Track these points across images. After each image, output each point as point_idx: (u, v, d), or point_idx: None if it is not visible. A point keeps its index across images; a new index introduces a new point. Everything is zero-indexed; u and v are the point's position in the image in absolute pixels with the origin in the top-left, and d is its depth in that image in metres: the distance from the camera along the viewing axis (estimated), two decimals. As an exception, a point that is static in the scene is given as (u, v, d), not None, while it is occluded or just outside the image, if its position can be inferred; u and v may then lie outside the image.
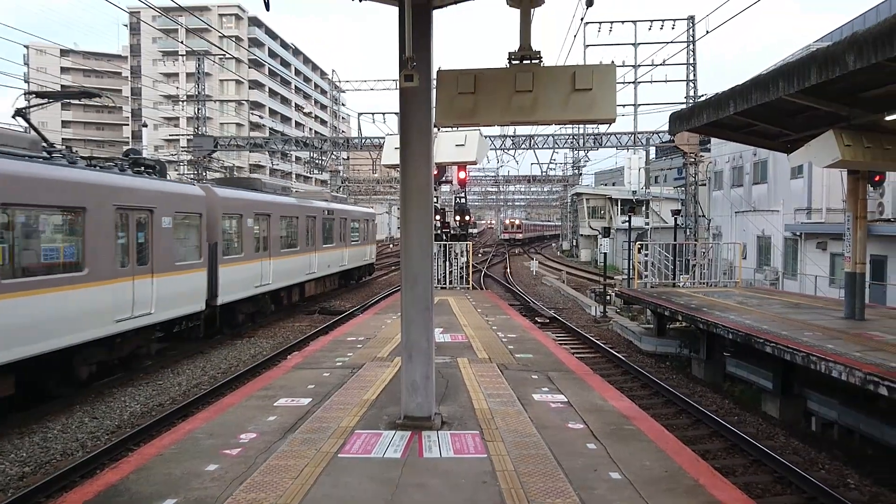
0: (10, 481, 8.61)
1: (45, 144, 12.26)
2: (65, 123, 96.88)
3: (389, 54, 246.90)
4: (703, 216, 32.54)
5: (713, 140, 30.89)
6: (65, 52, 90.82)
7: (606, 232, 27.77)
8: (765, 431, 10.79)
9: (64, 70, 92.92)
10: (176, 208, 14.88)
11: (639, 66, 33.19)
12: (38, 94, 12.77)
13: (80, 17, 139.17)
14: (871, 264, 17.42)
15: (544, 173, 53.96)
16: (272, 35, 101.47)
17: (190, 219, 15.76)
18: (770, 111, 11.71)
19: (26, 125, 14.06)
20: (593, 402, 7.66)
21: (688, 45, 31.92)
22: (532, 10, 6.36)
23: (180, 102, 50.25)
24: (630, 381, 13.89)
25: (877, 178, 14.24)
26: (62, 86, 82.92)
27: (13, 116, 13.31)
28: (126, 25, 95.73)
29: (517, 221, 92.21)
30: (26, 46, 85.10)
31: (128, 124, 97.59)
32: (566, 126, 36.19)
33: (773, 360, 10.95)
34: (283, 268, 21.09)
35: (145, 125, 48.99)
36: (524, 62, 6.19)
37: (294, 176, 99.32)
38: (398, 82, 5.71)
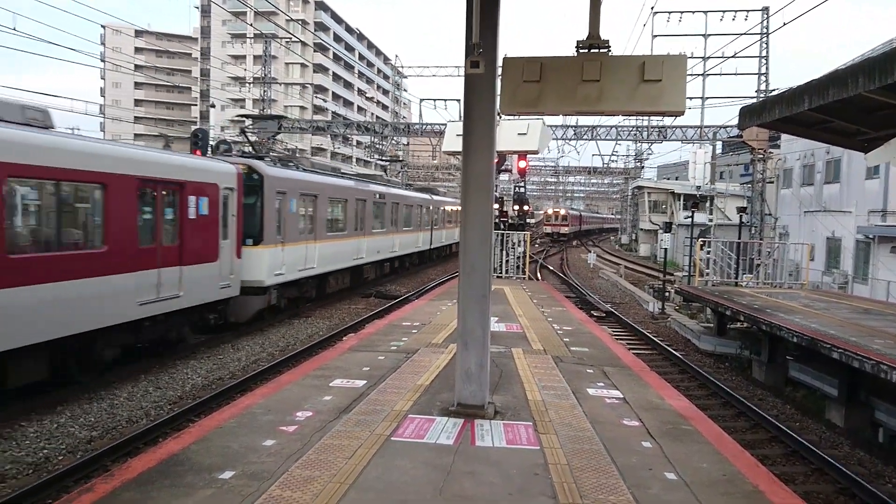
0: (79, 444, 9.01)
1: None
2: (137, 102, 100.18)
3: (451, 41, 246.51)
4: (770, 215, 31.52)
5: (783, 136, 29.82)
6: (139, 33, 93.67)
7: (668, 227, 27.21)
8: (828, 440, 10.44)
9: (138, 50, 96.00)
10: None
11: (708, 57, 32.23)
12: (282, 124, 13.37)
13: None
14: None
15: (606, 165, 53.13)
16: (337, 19, 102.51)
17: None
18: (848, 108, 11.19)
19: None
20: (649, 400, 7.54)
21: (761, 37, 30.83)
22: (603, -3, 6.23)
23: (247, 84, 51.28)
24: (687, 381, 13.61)
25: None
26: (136, 65, 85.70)
27: (240, 134, 15.32)
28: (197, 7, 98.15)
29: (562, 211, 73.00)
30: (103, 26, 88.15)
31: (196, 105, 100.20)
32: (630, 117, 35.51)
33: (839, 366, 10.55)
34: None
35: (213, 106, 50.15)
36: (592, 51, 6.09)
37: (354, 160, 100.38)
38: (463, 69, 5.69)
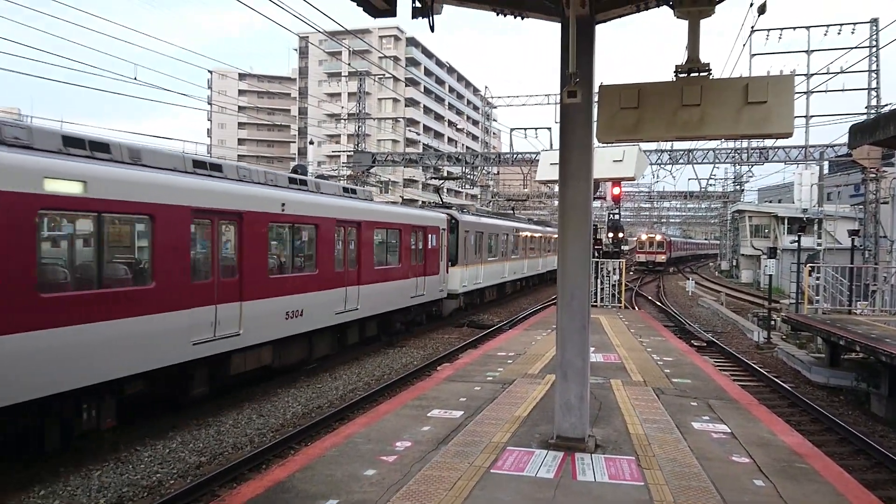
0: (189, 469, 9.40)
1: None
2: (240, 141, 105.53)
3: (540, 71, 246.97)
4: (885, 237, 29.58)
5: (898, 154, 28.09)
6: (242, 76, 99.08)
7: (773, 252, 25.97)
8: (963, 482, 9.57)
9: (241, 92, 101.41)
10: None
11: (813, 74, 30.89)
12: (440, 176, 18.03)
13: (257, 43, 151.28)
14: None
15: (703, 189, 51.49)
16: (427, 54, 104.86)
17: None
18: (973, 122, 10.47)
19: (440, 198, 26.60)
20: (760, 435, 7.16)
21: (870, 51, 29.31)
22: (700, 21, 6.10)
23: (342, 120, 53.04)
24: (798, 415, 12.84)
25: None
26: (239, 107, 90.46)
27: (436, 191, 21.80)
28: (296, 50, 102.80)
29: (658, 237, 66.01)
30: (210, 71, 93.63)
31: (295, 142, 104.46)
32: (729, 140, 34.37)
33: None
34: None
35: (312, 142, 52.15)
36: (691, 75, 5.95)
37: (445, 190, 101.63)
38: (559, 98, 5.68)
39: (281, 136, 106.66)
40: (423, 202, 32.57)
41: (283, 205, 13.24)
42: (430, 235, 21.21)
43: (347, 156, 59.60)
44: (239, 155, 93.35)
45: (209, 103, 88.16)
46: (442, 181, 39.92)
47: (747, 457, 6.41)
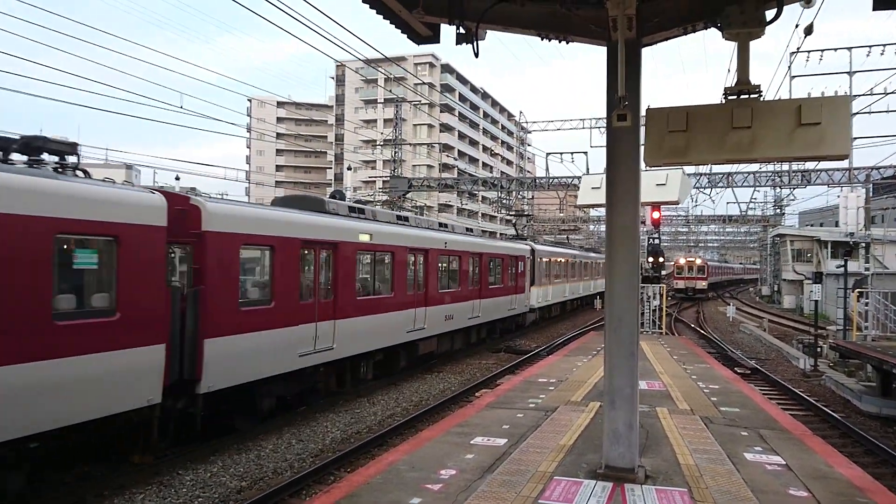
0: (230, 494, 9.39)
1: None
2: (278, 167, 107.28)
3: (574, 94, 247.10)
4: (936, 262, 28.69)
5: (948, 176, 27.34)
6: (280, 104, 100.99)
7: (818, 277, 25.36)
8: None
9: (279, 119, 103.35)
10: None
11: (856, 96, 30.34)
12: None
13: (295, 71, 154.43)
14: None
15: (743, 213, 50.67)
16: (462, 80, 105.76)
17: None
18: None
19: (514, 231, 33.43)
20: (816, 468, 6.90)
21: (915, 72, 28.71)
22: (750, 42, 6.01)
23: (378, 146, 53.62)
24: (850, 446, 12.38)
25: None
26: (277, 134, 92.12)
27: (512, 224, 33.35)
28: (332, 77, 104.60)
29: (698, 261, 61.37)
30: (249, 99, 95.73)
31: (331, 167, 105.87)
32: (780, 162, 33.85)
33: None
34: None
35: (350, 168, 52.82)
36: (741, 97, 5.85)
37: (480, 215, 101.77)
38: (607, 122, 5.64)
39: (318, 162, 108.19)
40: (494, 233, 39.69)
41: (449, 244, 20.25)
42: (519, 262, 26.95)
43: (383, 181, 60.12)
44: (277, 182, 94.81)
45: (248, 130, 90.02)
46: (515, 216, 45.13)
47: (805, 490, 6.18)
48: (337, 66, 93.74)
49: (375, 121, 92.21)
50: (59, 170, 8.67)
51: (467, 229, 26.12)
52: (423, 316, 17.94)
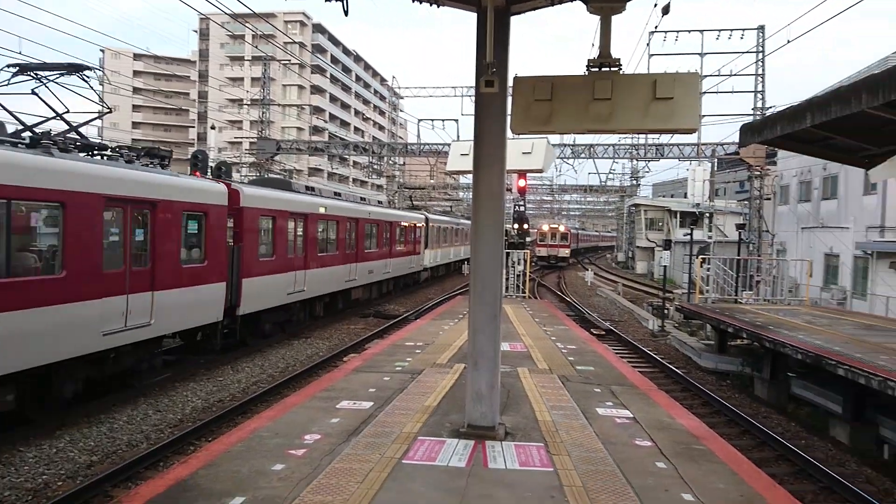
0: (79, 469, 8.86)
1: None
2: (135, 125, 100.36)
3: (447, 62, 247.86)
4: (768, 231, 31.60)
5: (780, 153, 30.00)
6: (138, 56, 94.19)
7: (667, 244, 27.20)
8: (834, 457, 10.34)
9: (136, 73, 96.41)
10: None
11: (705, 76, 32.44)
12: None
13: (154, 22, 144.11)
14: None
15: (603, 183, 53.27)
16: (334, 41, 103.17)
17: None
18: (850, 124, 11.24)
19: None
20: (660, 419, 7.46)
21: (757, 56, 31.09)
22: (612, 17, 6.24)
23: (245, 106, 51.46)
24: (690, 399, 13.51)
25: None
26: (134, 88, 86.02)
27: (407, 197, 38.93)
28: (196, 31, 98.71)
29: (562, 228, 60.47)
30: (102, 50, 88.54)
31: (194, 127, 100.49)
32: (628, 135, 35.67)
33: (843, 383, 10.49)
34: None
35: (213, 127, 50.28)
36: (603, 69, 6.08)
37: (351, 180, 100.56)
38: (476, 87, 5.68)
39: (179, 120, 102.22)
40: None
41: (369, 213, 24.96)
42: (417, 229, 32.15)
43: (250, 143, 57.88)
44: (133, 139, 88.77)
45: (101, 83, 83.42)
46: (412, 190, 51.04)
47: (649, 440, 6.66)
48: (201, 18, 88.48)
49: (242, 79, 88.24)
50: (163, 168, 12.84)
51: (378, 201, 29.43)
52: (355, 270, 23.04)
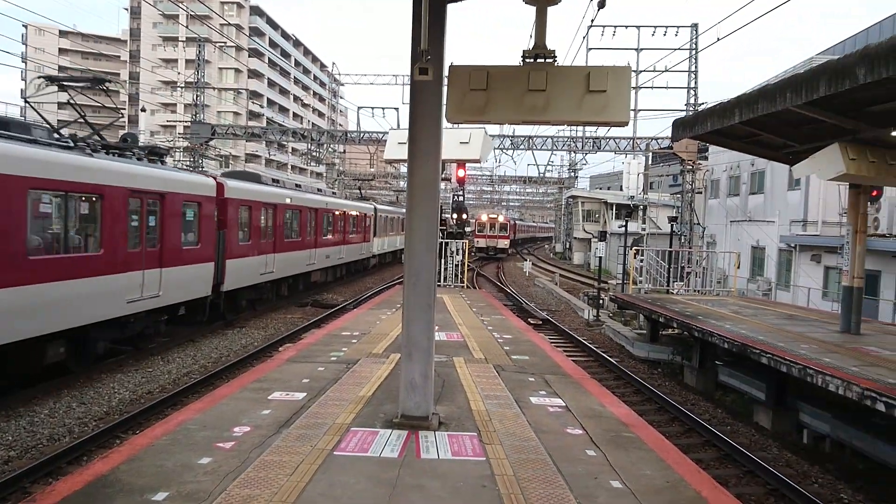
0: (-4, 465, 8.47)
1: None
2: (61, 105, 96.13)
3: (389, 50, 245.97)
4: (699, 224, 32.56)
5: (711, 148, 30.90)
6: (64, 34, 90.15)
7: (603, 236, 27.74)
8: (757, 442, 10.76)
9: (62, 51, 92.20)
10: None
11: (641, 71, 33.13)
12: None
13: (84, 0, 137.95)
14: (865, 279, 17.43)
15: (541, 175, 53.86)
16: (273, 25, 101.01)
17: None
18: (776, 122, 11.66)
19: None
20: (591, 408, 7.59)
21: (690, 53, 31.89)
22: (547, 8, 6.26)
23: (179, 89, 49.94)
24: (623, 387, 13.84)
25: (874, 193, 14.29)
26: (60, 67, 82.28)
27: (357, 188, 41.60)
28: (127, 9, 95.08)
29: (501, 218, 57.43)
30: (25, 25, 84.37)
31: (124, 108, 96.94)
32: (566, 128, 36.15)
33: (767, 371, 10.91)
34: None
35: (143, 110, 48.57)
36: (538, 60, 6.10)
37: (290, 167, 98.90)
38: (410, 76, 5.61)
39: (109, 101, 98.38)
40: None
41: (327, 204, 27.72)
42: (367, 219, 34.57)
43: (184, 126, 56.22)
44: (59, 119, 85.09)
45: (24, 60, 79.48)
46: (360, 182, 52.67)
47: (580, 428, 6.76)
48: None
49: (176, 61, 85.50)
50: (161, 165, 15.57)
51: (333, 192, 34.31)
52: (314, 255, 25.51)
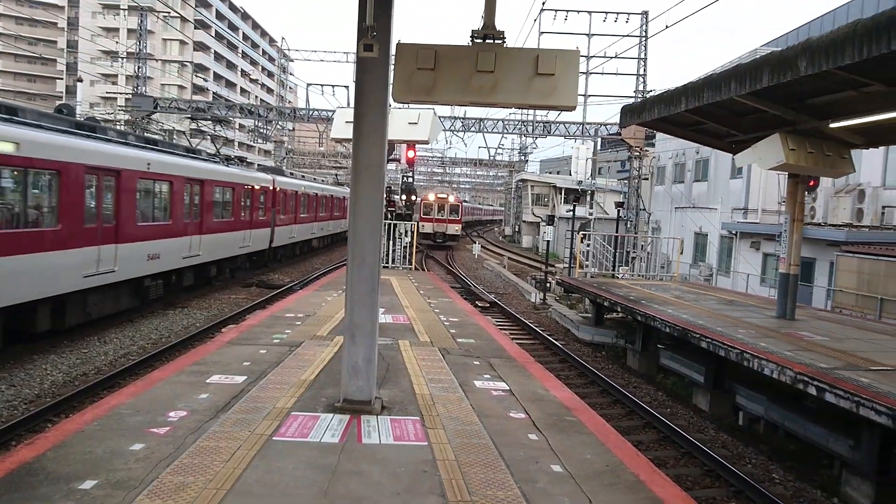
0: (-86, 451, 8.05)
1: None
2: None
3: (341, 26, 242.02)
4: (644, 210, 33.13)
5: (658, 136, 31.42)
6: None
7: (550, 220, 27.98)
8: (695, 424, 11.02)
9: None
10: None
11: (592, 56, 33.36)
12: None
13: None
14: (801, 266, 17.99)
15: (492, 158, 53.98)
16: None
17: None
18: (720, 111, 11.86)
19: None
20: (535, 392, 7.62)
21: (640, 40, 32.25)
22: (497, -12, 6.16)
23: (120, 59, 48.17)
24: (567, 370, 14.00)
25: (811, 183, 14.68)
26: (-9, 32, 78.67)
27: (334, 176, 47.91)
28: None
29: (451, 199, 49.02)
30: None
31: (62, 78, 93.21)
32: (517, 112, 36.20)
33: (706, 354, 11.16)
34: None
35: (80, 80, 46.67)
36: (487, 41, 6.01)
37: (237, 144, 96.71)
38: (356, 52, 5.45)
39: (45, 70, 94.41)
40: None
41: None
42: (346, 200, 35.29)
43: (126, 99, 54.31)
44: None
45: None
46: (337, 170, 54.43)
47: (523, 412, 6.78)
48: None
49: (118, 30, 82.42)
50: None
51: (314, 178, 40.56)
52: (317, 227, 36.37)
